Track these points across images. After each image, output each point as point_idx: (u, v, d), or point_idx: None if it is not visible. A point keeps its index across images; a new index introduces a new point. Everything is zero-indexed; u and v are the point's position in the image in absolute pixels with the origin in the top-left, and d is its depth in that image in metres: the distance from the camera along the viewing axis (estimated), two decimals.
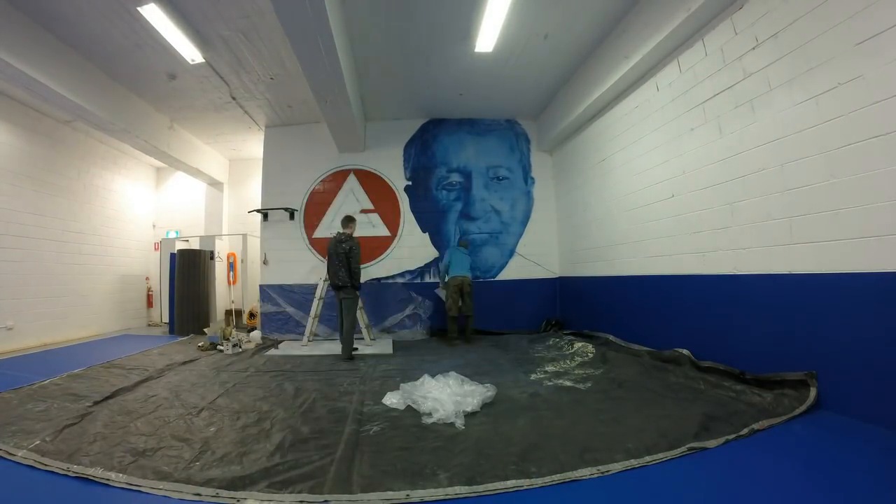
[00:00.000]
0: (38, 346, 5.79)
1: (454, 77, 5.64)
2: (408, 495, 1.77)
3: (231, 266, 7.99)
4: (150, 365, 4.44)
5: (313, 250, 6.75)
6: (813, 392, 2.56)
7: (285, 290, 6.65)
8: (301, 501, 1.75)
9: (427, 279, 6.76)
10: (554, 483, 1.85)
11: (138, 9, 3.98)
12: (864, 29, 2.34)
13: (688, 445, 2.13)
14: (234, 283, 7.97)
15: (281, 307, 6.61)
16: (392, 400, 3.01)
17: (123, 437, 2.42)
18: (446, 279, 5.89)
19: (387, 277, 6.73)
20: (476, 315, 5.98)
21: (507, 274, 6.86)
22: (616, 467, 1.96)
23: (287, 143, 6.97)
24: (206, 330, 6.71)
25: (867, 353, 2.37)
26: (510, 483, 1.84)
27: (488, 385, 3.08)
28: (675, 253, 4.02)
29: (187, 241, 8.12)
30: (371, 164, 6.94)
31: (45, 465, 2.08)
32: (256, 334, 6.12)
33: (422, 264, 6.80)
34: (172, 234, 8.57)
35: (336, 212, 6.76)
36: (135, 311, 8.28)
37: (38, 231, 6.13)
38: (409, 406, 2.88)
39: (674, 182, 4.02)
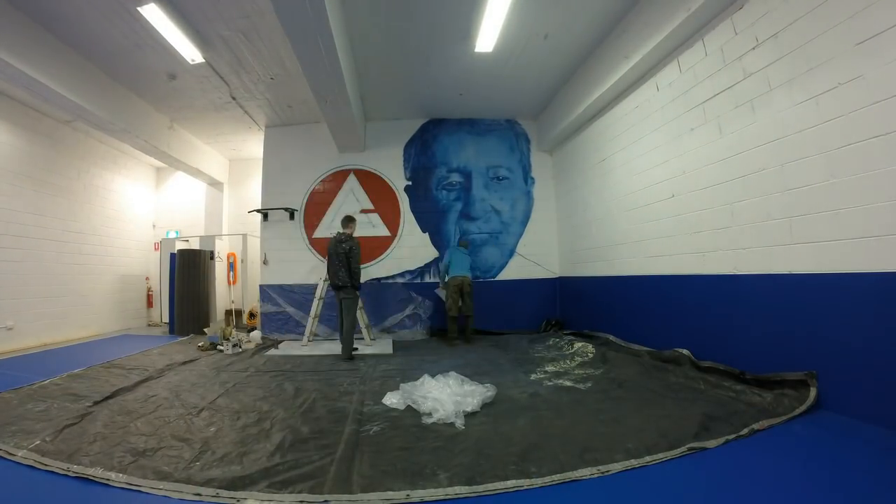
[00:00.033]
0: (38, 346, 5.79)
1: (454, 77, 5.64)
2: (408, 495, 1.77)
3: (231, 266, 7.99)
4: (150, 365, 4.44)
5: (313, 250, 6.76)
6: (813, 392, 2.56)
7: (285, 290, 6.65)
8: (301, 501, 1.75)
9: (427, 279, 6.76)
10: (554, 483, 1.85)
11: (138, 9, 3.98)
12: (864, 29, 2.34)
13: (688, 445, 2.13)
14: (234, 283, 7.97)
15: (281, 307, 6.62)
16: (392, 400, 3.01)
17: (123, 437, 2.42)
18: (446, 279, 5.89)
19: (387, 277, 6.73)
20: (476, 315, 5.98)
21: (507, 274, 6.86)
22: (616, 467, 1.96)
23: (287, 143, 6.97)
24: (206, 330, 6.71)
25: (867, 353, 2.37)
26: (510, 483, 1.84)
27: (488, 385, 3.08)
28: (676, 253, 4.02)
29: (187, 241, 8.12)
30: (371, 164, 6.94)
31: (45, 465, 2.07)
32: (256, 334, 6.12)
33: (422, 264, 6.80)
34: (172, 234, 8.57)
35: (336, 212, 6.76)
36: (135, 311, 8.28)
37: (38, 231, 6.13)
38: (409, 406, 2.88)
39: (674, 182, 4.02)
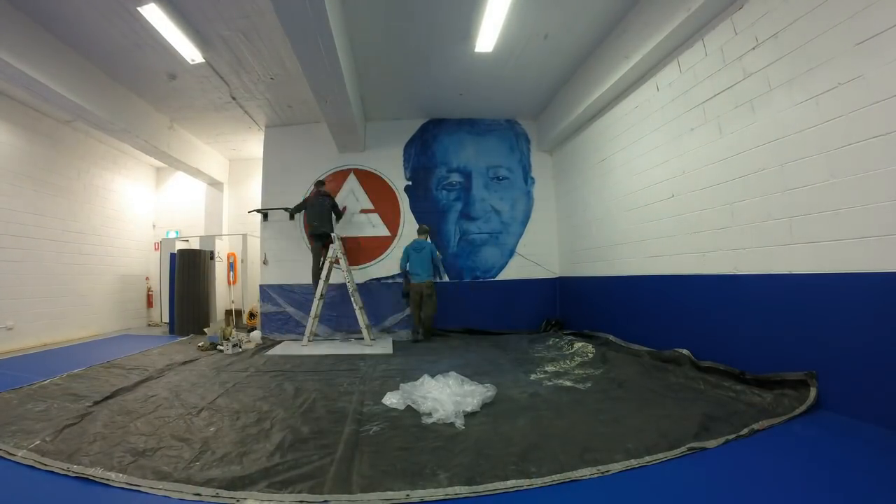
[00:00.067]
0: (37, 346, 5.79)
1: (454, 77, 5.64)
2: (408, 495, 1.77)
3: (231, 266, 8.00)
4: (150, 365, 4.44)
5: None
6: (813, 392, 2.56)
7: (285, 290, 6.65)
8: (301, 501, 1.75)
9: None
10: (554, 483, 1.85)
11: (138, 9, 3.98)
12: (864, 29, 2.34)
13: (688, 445, 2.13)
14: (234, 283, 7.98)
15: (281, 307, 6.62)
16: (392, 400, 3.01)
17: (123, 437, 2.42)
18: (407, 286, 5.97)
19: (386, 277, 6.73)
20: (476, 315, 5.99)
21: (507, 274, 6.86)
22: (616, 467, 1.96)
23: (287, 143, 6.97)
24: (206, 330, 6.70)
25: (867, 354, 2.37)
26: (510, 483, 1.84)
27: (488, 385, 3.08)
28: (676, 253, 4.02)
29: (187, 241, 8.12)
30: (371, 164, 6.94)
31: (45, 465, 2.07)
32: (257, 334, 6.12)
33: None
34: (172, 234, 8.57)
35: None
36: (135, 311, 8.28)
37: (38, 231, 6.13)
38: (408, 406, 2.88)
39: (674, 182, 4.02)
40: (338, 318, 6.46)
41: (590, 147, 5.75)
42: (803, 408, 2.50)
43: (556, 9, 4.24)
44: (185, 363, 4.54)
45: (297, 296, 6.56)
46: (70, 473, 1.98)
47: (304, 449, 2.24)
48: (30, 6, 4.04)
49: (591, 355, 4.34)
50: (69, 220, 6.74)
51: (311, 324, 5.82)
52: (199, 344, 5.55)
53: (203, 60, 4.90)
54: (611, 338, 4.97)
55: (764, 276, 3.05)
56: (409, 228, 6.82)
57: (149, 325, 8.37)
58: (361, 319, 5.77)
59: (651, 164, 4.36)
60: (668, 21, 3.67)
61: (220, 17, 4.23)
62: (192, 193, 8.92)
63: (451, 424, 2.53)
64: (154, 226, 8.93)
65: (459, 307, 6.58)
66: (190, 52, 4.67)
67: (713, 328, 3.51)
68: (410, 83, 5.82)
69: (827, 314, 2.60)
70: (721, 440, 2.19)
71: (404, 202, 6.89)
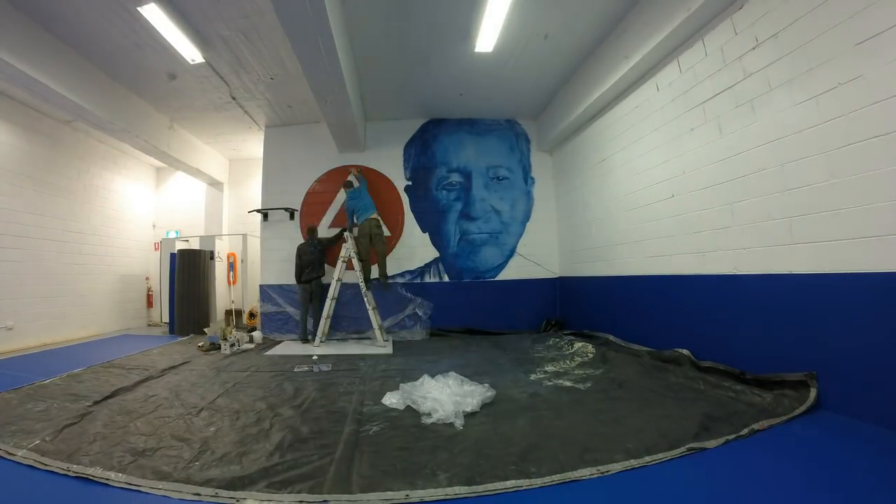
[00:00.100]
0: (37, 346, 5.79)
1: (454, 77, 5.64)
2: (407, 495, 1.76)
3: (231, 266, 7.99)
4: (150, 365, 4.44)
5: None
6: (813, 392, 2.56)
7: (285, 290, 6.65)
8: (300, 501, 1.75)
9: (427, 279, 6.76)
10: (554, 483, 1.85)
11: (138, 9, 3.98)
12: (864, 29, 2.34)
13: (688, 446, 2.13)
14: (234, 283, 7.98)
15: (281, 307, 6.61)
16: (391, 400, 3.01)
17: (123, 436, 2.42)
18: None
19: (387, 278, 6.70)
20: (476, 315, 5.99)
21: (507, 274, 6.85)
22: (616, 467, 1.96)
23: (287, 142, 6.97)
24: (206, 330, 6.70)
25: (867, 354, 2.37)
26: (510, 483, 1.84)
27: (488, 385, 3.08)
28: (676, 253, 4.02)
29: (187, 241, 8.12)
30: (371, 164, 6.93)
31: (45, 464, 2.07)
32: (258, 334, 6.13)
33: (421, 264, 6.80)
34: (172, 234, 8.57)
35: (336, 211, 6.78)
36: (135, 311, 8.28)
37: (38, 231, 6.13)
38: (408, 406, 2.88)
39: (674, 182, 4.02)
40: (337, 318, 6.45)
41: (590, 147, 5.75)
42: (803, 408, 2.50)
43: (556, 9, 4.24)
44: (184, 363, 4.54)
45: (298, 296, 6.55)
46: (70, 473, 1.99)
47: (303, 449, 2.24)
48: (30, 6, 4.04)
49: (591, 355, 4.34)
50: (69, 220, 6.74)
51: (323, 324, 5.84)
52: (199, 344, 5.56)
53: (203, 60, 4.90)
54: (611, 338, 4.97)
55: (764, 276, 3.05)
56: (409, 228, 6.82)
57: (149, 325, 8.37)
58: (375, 320, 5.77)
59: (651, 164, 4.36)
60: (668, 21, 3.67)
61: (220, 17, 4.23)
62: (192, 193, 8.92)
63: (451, 424, 2.53)
64: (154, 226, 8.93)
65: (459, 307, 6.58)
66: (190, 52, 4.67)
67: (713, 328, 3.51)
68: (410, 83, 5.81)
69: (827, 314, 2.60)
70: (721, 440, 2.19)
71: (405, 202, 6.88)
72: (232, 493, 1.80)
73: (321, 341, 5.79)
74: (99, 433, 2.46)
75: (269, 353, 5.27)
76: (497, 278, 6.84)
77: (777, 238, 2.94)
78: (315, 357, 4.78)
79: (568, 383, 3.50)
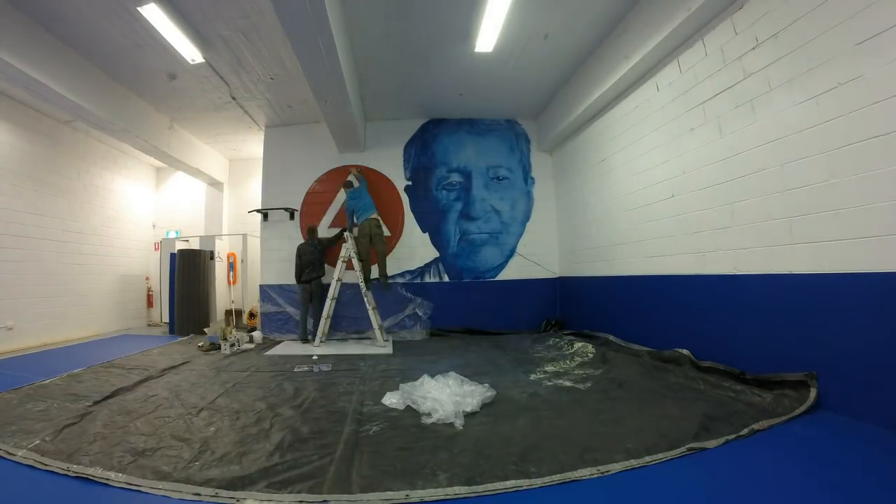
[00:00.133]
0: (37, 346, 5.80)
1: (454, 77, 5.64)
2: (407, 495, 1.76)
3: (231, 266, 7.99)
4: (150, 365, 4.44)
5: None
6: (813, 392, 2.56)
7: (285, 290, 6.65)
8: (300, 501, 1.75)
9: (427, 279, 6.76)
10: (554, 483, 1.85)
11: (138, 9, 3.98)
12: (864, 29, 2.34)
13: (688, 446, 2.13)
14: (234, 283, 7.98)
15: (281, 307, 6.61)
16: (391, 400, 3.01)
17: (123, 436, 2.42)
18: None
19: (387, 278, 6.70)
20: (476, 315, 5.99)
21: (507, 274, 6.85)
22: (616, 467, 1.96)
23: (287, 142, 6.97)
24: (206, 330, 6.70)
25: (867, 354, 2.37)
26: (510, 483, 1.84)
27: (488, 385, 3.08)
28: (676, 253, 4.02)
29: (187, 241, 8.12)
30: (371, 164, 6.93)
31: (45, 464, 2.07)
32: (258, 334, 6.13)
33: (422, 264, 6.80)
34: (172, 234, 8.57)
35: (336, 211, 6.78)
36: (135, 311, 8.28)
37: (38, 231, 6.13)
38: (408, 406, 2.88)
39: (674, 182, 4.02)
40: (337, 318, 6.45)
41: (590, 147, 5.75)
42: (803, 408, 2.50)
43: (556, 9, 4.24)
44: (184, 363, 4.54)
45: (297, 296, 6.55)
46: (70, 473, 1.99)
47: (303, 449, 2.24)
48: (30, 6, 4.04)
49: (590, 355, 4.34)
50: (69, 220, 6.74)
51: (323, 324, 5.85)
52: (199, 344, 5.56)
53: (203, 60, 4.90)
54: (611, 338, 4.97)
55: (764, 276, 3.05)
56: (409, 229, 6.82)
57: (149, 325, 8.38)
58: (375, 320, 5.78)
59: (651, 164, 4.36)
60: (668, 21, 3.67)
61: (220, 17, 4.23)
62: (192, 193, 8.92)
63: (451, 424, 2.53)
64: (154, 226, 8.93)
65: (459, 307, 6.58)
66: (190, 52, 4.67)
67: (713, 328, 3.51)
68: (410, 83, 5.81)
69: (827, 314, 2.60)
70: (721, 440, 2.19)
71: (405, 202, 6.88)
72: (232, 493, 1.80)
73: (321, 341, 5.80)
74: (99, 433, 2.46)
75: (269, 353, 5.27)
76: (497, 278, 6.84)
77: (777, 238, 2.94)
78: (315, 357, 4.79)
79: (568, 383, 3.50)
